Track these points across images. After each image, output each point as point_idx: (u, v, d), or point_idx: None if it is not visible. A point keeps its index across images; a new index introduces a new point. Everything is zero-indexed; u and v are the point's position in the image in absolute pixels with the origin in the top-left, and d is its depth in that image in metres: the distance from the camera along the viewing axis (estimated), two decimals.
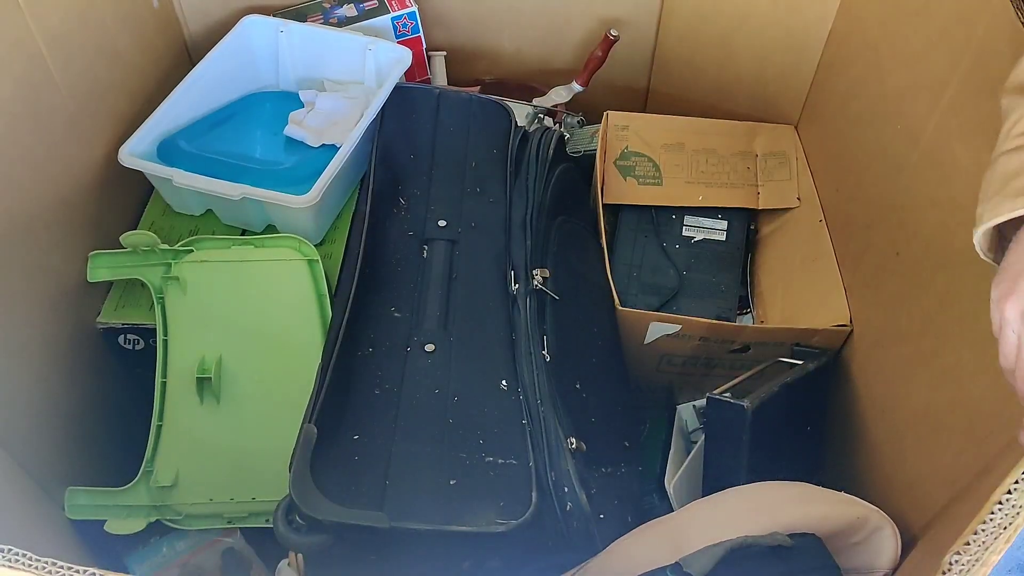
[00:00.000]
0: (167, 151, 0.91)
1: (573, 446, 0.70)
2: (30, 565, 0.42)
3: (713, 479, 0.74)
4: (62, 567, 0.42)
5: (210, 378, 0.79)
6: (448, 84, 1.13)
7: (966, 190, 0.68)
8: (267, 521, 0.76)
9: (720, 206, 1.05)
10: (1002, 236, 0.51)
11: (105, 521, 0.76)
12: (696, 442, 0.81)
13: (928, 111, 0.74)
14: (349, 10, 1.06)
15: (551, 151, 0.92)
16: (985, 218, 0.50)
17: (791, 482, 0.64)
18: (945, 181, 0.72)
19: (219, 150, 0.93)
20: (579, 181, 1.01)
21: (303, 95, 1.01)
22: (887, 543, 0.60)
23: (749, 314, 1.01)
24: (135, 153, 0.87)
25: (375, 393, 0.73)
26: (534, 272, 0.80)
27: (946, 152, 0.72)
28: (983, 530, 0.46)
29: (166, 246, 0.83)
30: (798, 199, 1.04)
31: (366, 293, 0.79)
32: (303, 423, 0.69)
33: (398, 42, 1.03)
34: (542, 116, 1.09)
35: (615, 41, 1.07)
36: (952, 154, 0.71)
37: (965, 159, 0.69)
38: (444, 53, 1.14)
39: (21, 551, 0.42)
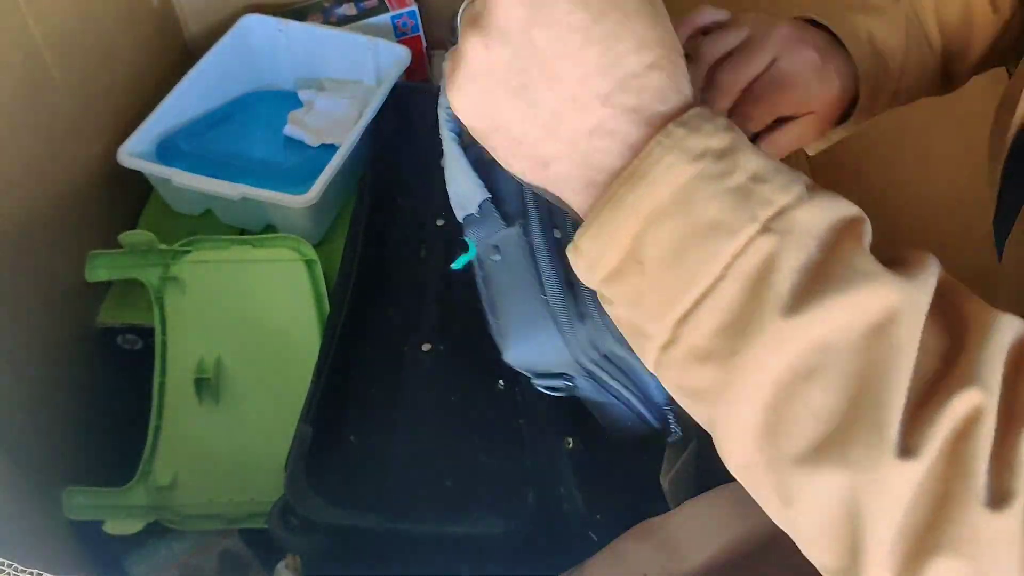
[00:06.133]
0: (166, 151, 0.91)
1: (570, 446, 0.70)
2: None
3: (707, 477, 0.74)
4: None
5: (209, 379, 0.79)
6: None
7: (946, 178, 0.69)
8: (266, 522, 0.76)
9: None
10: None
11: (104, 522, 0.76)
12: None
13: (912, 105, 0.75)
14: (349, 9, 1.06)
15: None
16: None
17: None
18: (928, 172, 0.72)
19: (218, 150, 0.93)
20: None
21: (302, 94, 1.01)
22: None
23: None
24: (134, 153, 0.87)
25: (372, 393, 0.73)
26: None
27: (929, 145, 0.72)
28: None
29: (165, 246, 0.83)
30: None
31: (363, 292, 0.79)
32: (299, 423, 0.69)
33: (398, 41, 1.03)
34: None
35: None
36: (932, 145, 0.71)
37: (943, 148, 0.69)
38: (445, 52, 1.13)
39: (7, 561, 0.42)
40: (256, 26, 1.01)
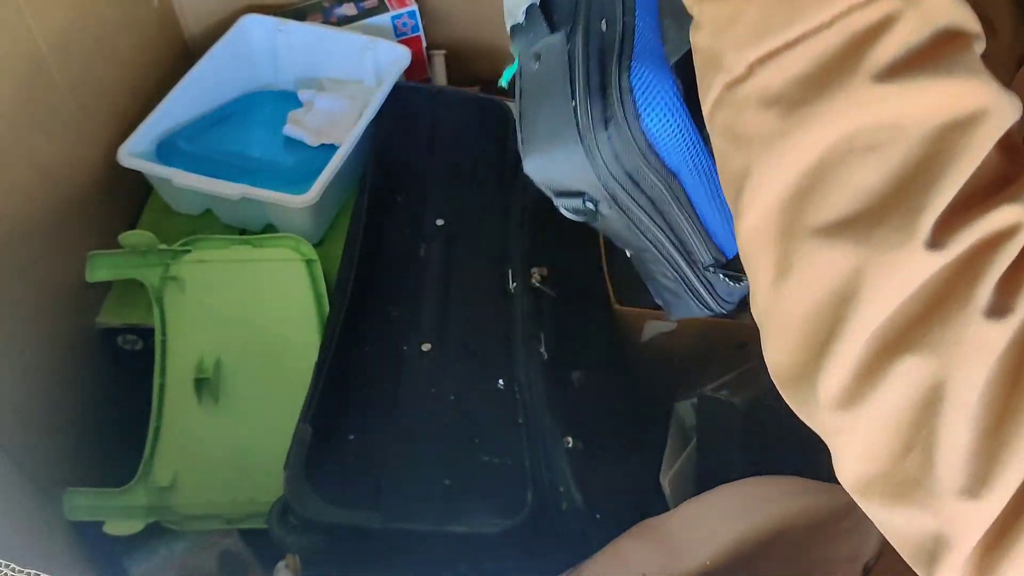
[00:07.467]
0: (166, 151, 0.91)
1: (570, 445, 0.70)
2: None
3: (706, 476, 0.74)
4: None
5: (208, 379, 0.79)
6: (448, 83, 1.13)
7: None
8: (265, 522, 0.76)
9: None
10: None
11: (104, 522, 0.76)
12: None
13: None
14: (349, 9, 1.06)
15: None
16: None
17: (781, 476, 0.64)
18: None
19: (218, 150, 0.93)
20: None
21: (302, 94, 1.01)
22: (875, 528, 0.61)
23: (749, 312, 1.01)
24: (134, 153, 0.87)
25: (371, 392, 0.73)
26: (532, 270, 0.80)
27: None
28: None
29: (165, 246, 0.83)
30: None
31: (363, 292, 0.79)
32: (299, 423, 0.69)
33: (398, 41, 1.03)
34: None
35: None
36: None
37: None
38: (444, 52, 1.13)
39: (7, 561, 0.42)
40: (256, 26, 1.01)
